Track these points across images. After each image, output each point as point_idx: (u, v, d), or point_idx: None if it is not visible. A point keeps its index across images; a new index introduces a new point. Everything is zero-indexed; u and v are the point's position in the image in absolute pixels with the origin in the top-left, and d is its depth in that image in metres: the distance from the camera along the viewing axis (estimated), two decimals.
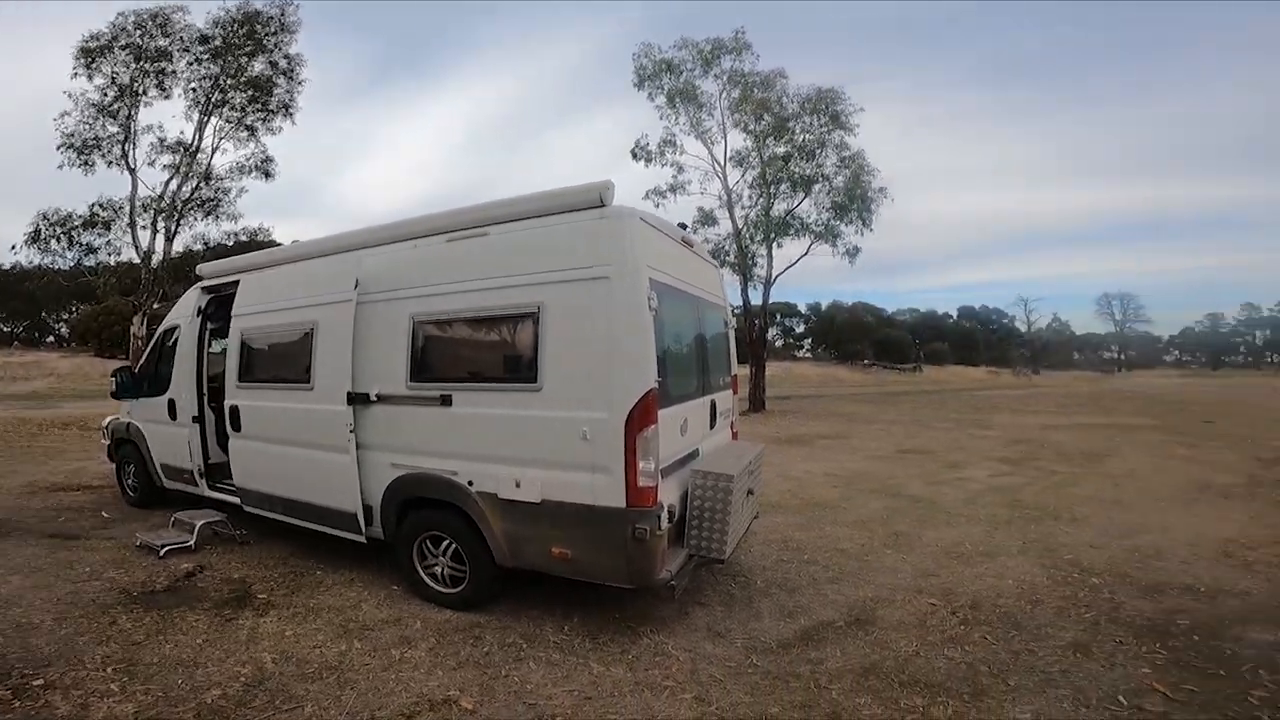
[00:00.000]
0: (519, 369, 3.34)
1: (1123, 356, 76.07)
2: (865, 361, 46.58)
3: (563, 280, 3.19)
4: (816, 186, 15.87)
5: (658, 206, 16.66)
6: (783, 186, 15.93)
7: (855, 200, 15.52)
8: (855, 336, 48.95)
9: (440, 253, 3.67)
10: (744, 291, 17.15)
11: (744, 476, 3.56)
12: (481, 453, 3.38)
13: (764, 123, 16.01)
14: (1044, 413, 17.44)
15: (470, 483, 3.40)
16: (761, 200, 16.35)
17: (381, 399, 3.74)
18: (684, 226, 4.13)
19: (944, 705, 2.64)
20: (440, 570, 3.64)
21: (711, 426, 4.13)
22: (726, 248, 16.64)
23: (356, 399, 3.80)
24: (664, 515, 3.09)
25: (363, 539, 3.87)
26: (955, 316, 68.59)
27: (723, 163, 16.82)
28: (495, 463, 3.33)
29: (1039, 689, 2.74)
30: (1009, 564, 4.37)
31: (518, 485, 3.25)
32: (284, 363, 4.36)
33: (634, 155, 16.88)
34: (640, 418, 2.99)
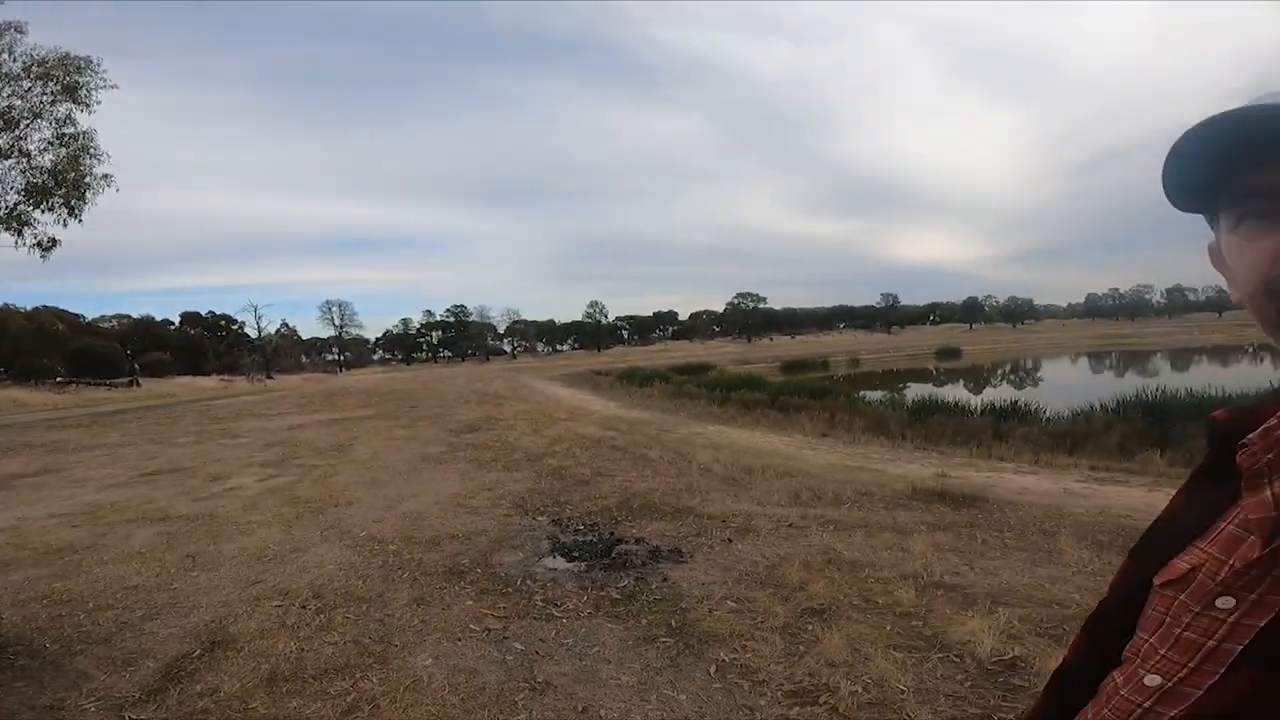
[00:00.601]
0: None
1: (343, 357, 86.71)
2: (58, 379, 36.73)
3: None
4: (9, 162, 11.70)
5: None
6: None
7: (66, 184, 12.28)
8: (41, 349, 37.82)
9: None
10: None
11: None
12: None
13: None
14: (287, 414, 18.29)
15: None
16: None
17: None
18: None
19: (360, 677, 2.82)
20: None
21: None
22: None
23: None
24: None
25: None
26: (178, 323, 62.30)
27: None
28: None
29: (417, 641, 3.19)
30: (320, 552, 4.66)
31: None
32: None
33: None
34: None
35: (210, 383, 47.71)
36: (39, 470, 9.60)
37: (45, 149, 12.46)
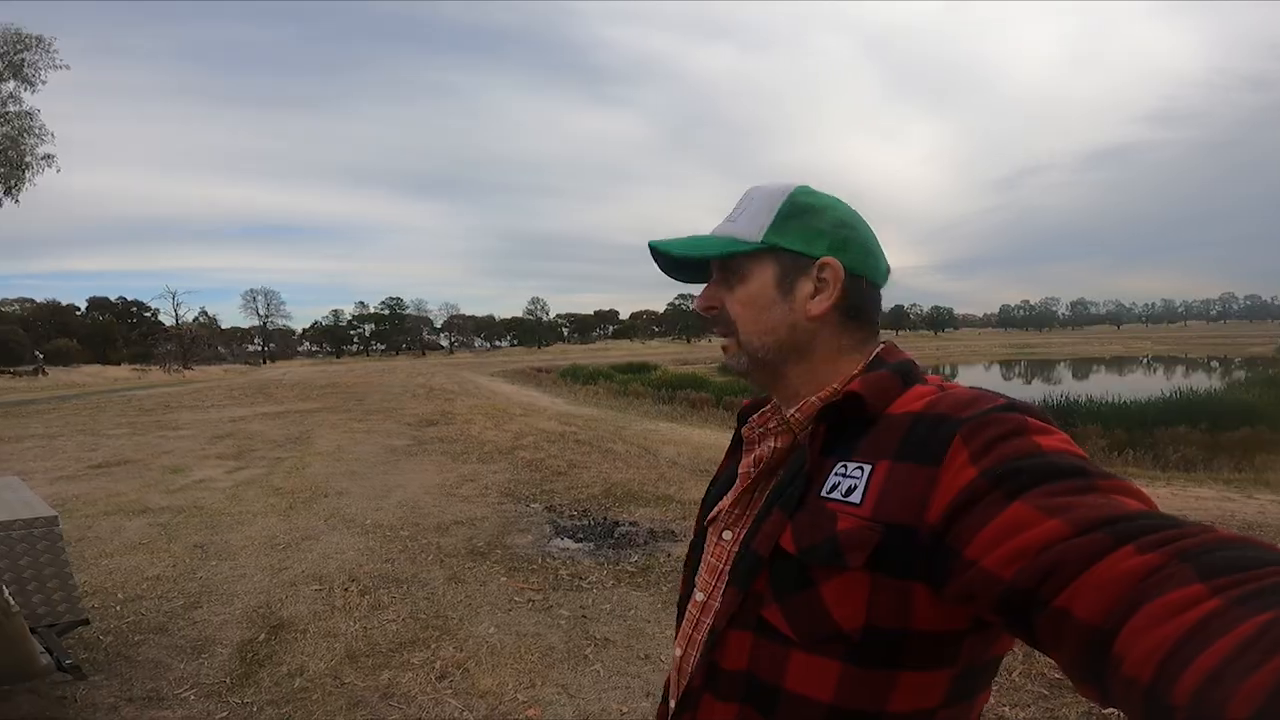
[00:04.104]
0: None
1: (266, 348, 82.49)
2: None
3: None
4: None
5: None
6: None
7: (7, 163, 11.47)
8: None
9: None
10: None
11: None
12: None
13: None
14: (223, 406, 17.55)
15: None
16: None
17: None
18: None
19: (435, 648, 3.04)
20: None
21: None
22: None
23: None
24: (3, 587, 2.09)
25: None
26: (85, 309, 57.88)
27: None
28: None
29: (471, 614, 3.44)
30: (334, 540, 4.81)
31: None
32: None
33: None
34: None
35: (122, 372, 44.61)
36: None
37: None
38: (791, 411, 0.72)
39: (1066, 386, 22.15)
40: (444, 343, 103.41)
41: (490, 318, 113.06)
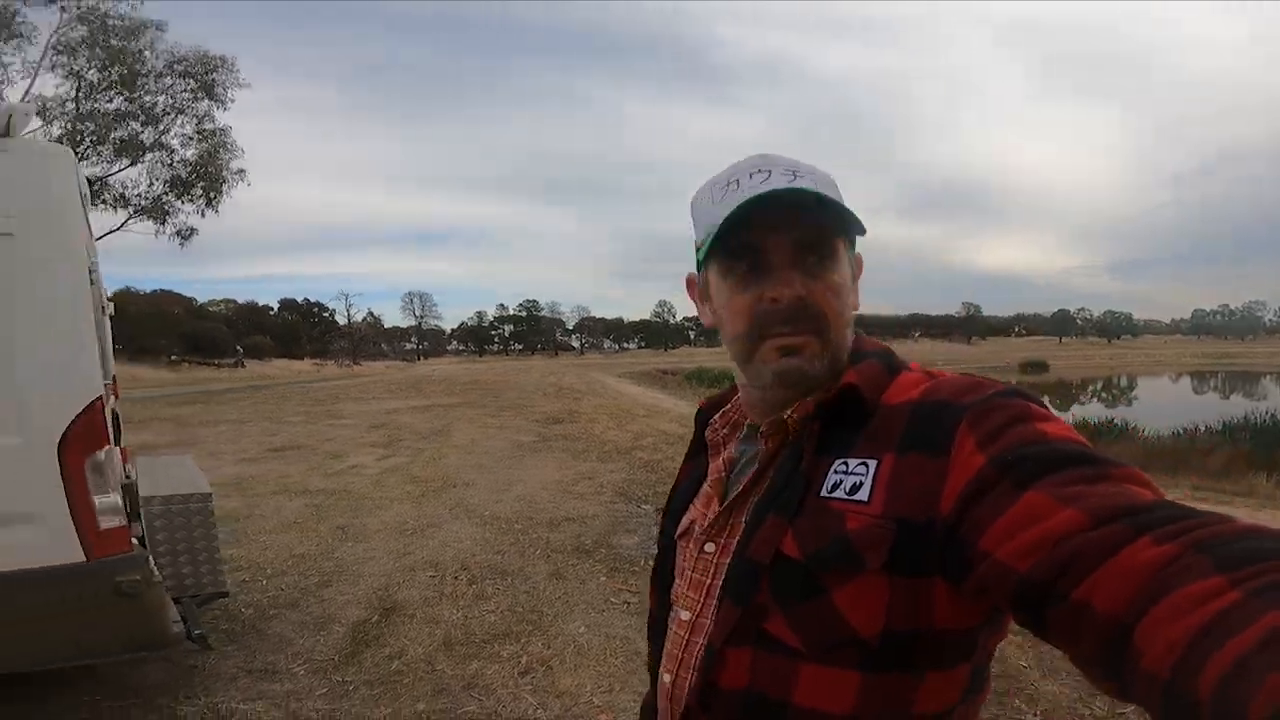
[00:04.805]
0: None
1: (420, 346, 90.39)
2: (173, 357, 40.04)
3: None
4: (152, 155, 12.95)
5: None
6: (103, 149, 12.33)
7: (206, 178, 13.48)
8: (159, 330, 41.33)
9: None
10: None
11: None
12: None
13: (109, 73, 12.00)
14: (381, 399, 19.37)
15: None
16: None
17: None
18: None
19: (525, 642, 3.13)
20: None
21: (116, 441, 3.27)
22: None
23: None
24: (151, 557, 2.40)
25: None
26: (277, 309, 66.63)
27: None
28: None
29: (566, 611, 3.53)
30: (454, 529, 5.10)
31: None
32: None
33: None
34: (83, 438, 2.18)
35: (304, 366, 50.97)
36: (175, 442, 10.63)
37: (187, 143, 13.57)
38: (788, 413, 0.65)
39: (1275, 402, 18.69)
40: (575, 344, 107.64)
41: (619, 320, 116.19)
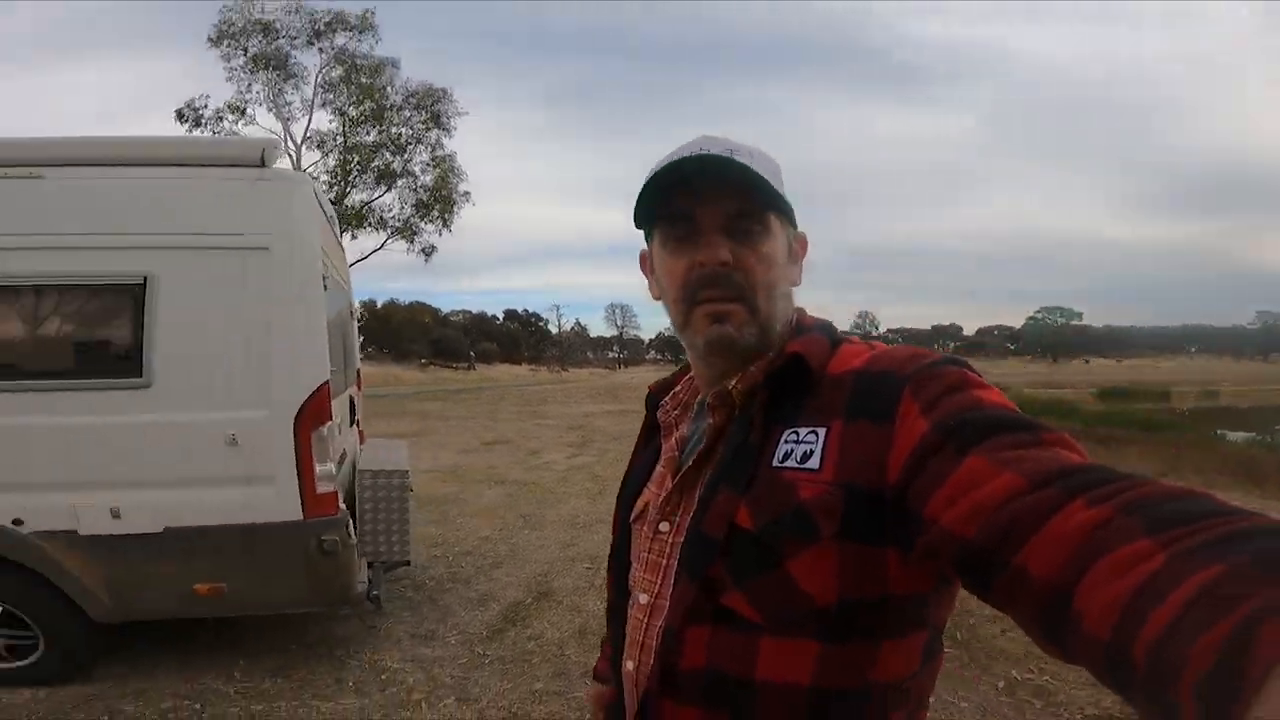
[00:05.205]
0: (107, 359, 2.60)
1: (621, 355, 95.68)
2: (422, 360, 47.00)
3: (190, 246, 2.57)
4: (401, 181, 15.54)
5: None
6: (366, 177, 15.07)
7: (440, 200, 15.78)
8: (413, 336, 48.90)
9: None
10: None
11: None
12: (36, 479, 2.52)
13: (363, 108, 14.88)
14: (581, 403, 20.84)
15: (18, 521, 2.49)
16: (337, 188, 15.09)
17: None
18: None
19: None
20: None
21: (352, 424, 3.92)
22: None
23: None
24: (350, 522, 2.88)
25: None
26: (502, 318, 75.08)
27: (298, 142, 14.90)
28: (67, 489, 2.52)
29: None
30: None
31: (115, 515, 2.53)
32: None
33: (180, 116, 13.76)
34: (312, 414, 2.62)
35: (522, 370, 56.83)
36: (418, 432, 12.45)
37: (426, 170, 15.88)
38: (733, 383, 0.66)
39: None
40: None
41: None
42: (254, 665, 2.90)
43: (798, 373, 0.62)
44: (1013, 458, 0.47)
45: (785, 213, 0.67)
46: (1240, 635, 0.29)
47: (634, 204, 0.69)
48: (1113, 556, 0.37)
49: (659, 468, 0.72)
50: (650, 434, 0.79)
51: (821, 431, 0.58)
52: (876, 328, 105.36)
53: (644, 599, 0.68)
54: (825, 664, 0.56)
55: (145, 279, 2.52)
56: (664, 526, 0.67)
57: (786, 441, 0.59)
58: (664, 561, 0.66)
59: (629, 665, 0.69)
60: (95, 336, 2.64)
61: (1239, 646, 0.29)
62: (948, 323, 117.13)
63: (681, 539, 0.65)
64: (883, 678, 0.57)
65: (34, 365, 2.57)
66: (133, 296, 2.52)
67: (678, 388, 0.77)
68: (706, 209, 0.64)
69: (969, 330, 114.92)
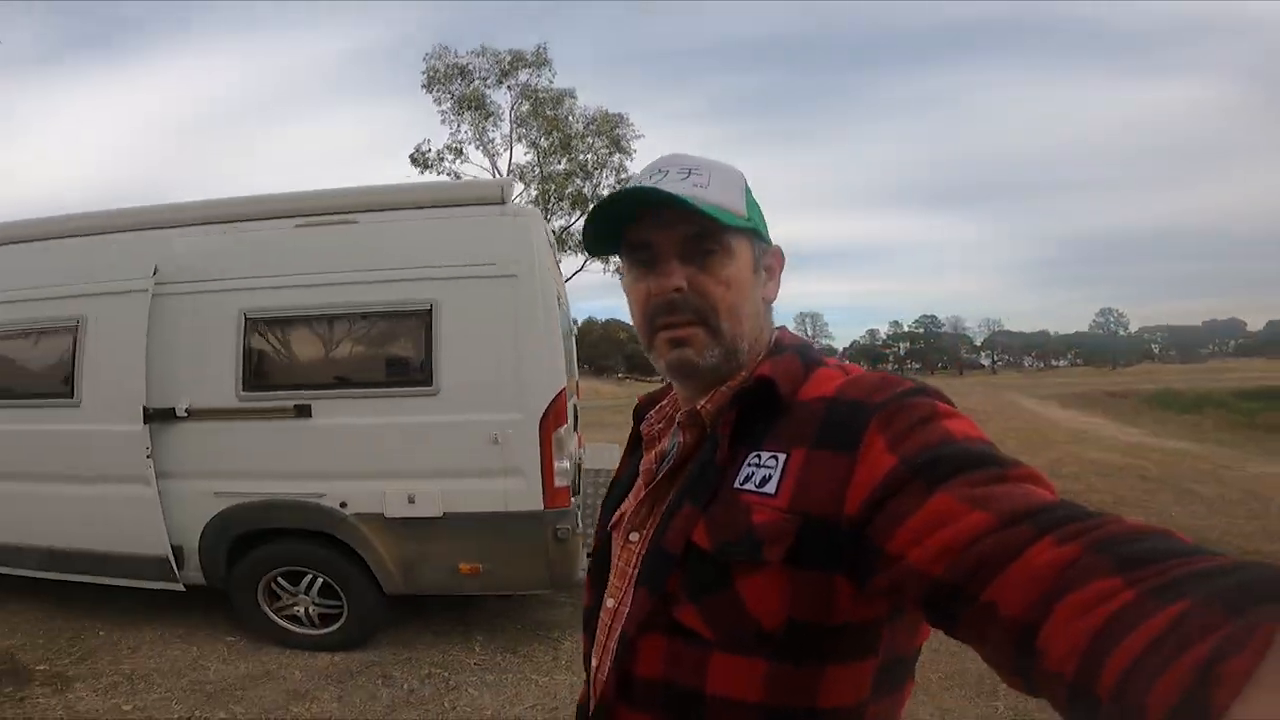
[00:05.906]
0: (407, 371, 3.05)
1: None
2: (619, 375, 49.56)
3: (460, 277, 2.98)
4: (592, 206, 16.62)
5: None
6: (562, 204, 16.35)
7: None
8: (609, 351, 51.83)
9: (285, 240, 3.15)
10: None
11: None
12: (357, 469, 2.99)
13: (551, 139, 16.29)
14: None
15: (343, 504, 2.97)
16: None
17: (195, 414, 3.06)
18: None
19: None
20: (305, 610, 3.11)
21: (574, 429, 4.18)
22: None
23: (155, 416, 3.05)
24: (580, 514, 3.07)
25: (179, 587, 3.11)
26: None
27: (504, 175, 16.63)
28: (379, 478, 2.97)
29: None
30: None
31: (411, 501, 2.94)
32: (25, 372, 3.31)
33: (413, 161, 16.03)
34: (554, 417, 2.93)
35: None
36: (620, 440, 13.10)
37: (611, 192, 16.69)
38: (702, 403, 0.66)
39: None
40: (984, 361, 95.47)
41: (1043, 333, 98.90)
42: (490, 642, 3.18)
43: (767, 396, 0.61)
44: (982, 495, 0.46)
45: (750, 230, 0.66)
46: (1205, 670, 0.29)
47: (585, 230, 0.70)
48: (1080, 594, 0.37)
49: (638, 479, 0.73)
50: (635, 445, 0.80)
51: (781, 457, 0.58)
52: (1125, 328, 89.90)
53: (611, 604, 0.69)
54: (774, 684, 0.56)
55: (431, 305, 2.95)
56: (634, 536, 0.69)
57: (749, 464, 0.59)
58: (631, 570, 0.67)
59: (593, 664, 0.71)
60: (397, 354, 3.12)
61: (1205, 679, 0.29)
62: (1224, 318, 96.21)
63: (645, 550, 0.66)
64: (829, 703, 0.57)
65: (358, 378, 3.09)
66: (423, 320, 2.97)
67: (664, 402, 0.77)
68: (663, 234, 0.64)
69: (1254, 325, 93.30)
